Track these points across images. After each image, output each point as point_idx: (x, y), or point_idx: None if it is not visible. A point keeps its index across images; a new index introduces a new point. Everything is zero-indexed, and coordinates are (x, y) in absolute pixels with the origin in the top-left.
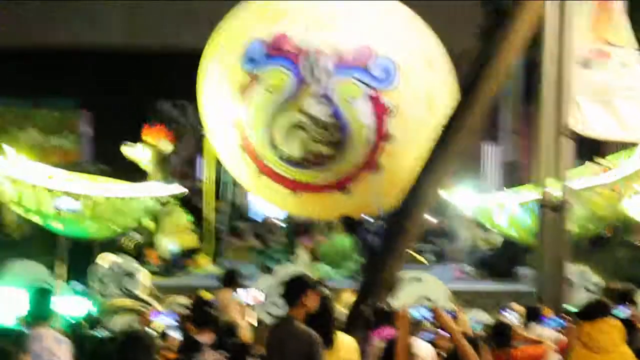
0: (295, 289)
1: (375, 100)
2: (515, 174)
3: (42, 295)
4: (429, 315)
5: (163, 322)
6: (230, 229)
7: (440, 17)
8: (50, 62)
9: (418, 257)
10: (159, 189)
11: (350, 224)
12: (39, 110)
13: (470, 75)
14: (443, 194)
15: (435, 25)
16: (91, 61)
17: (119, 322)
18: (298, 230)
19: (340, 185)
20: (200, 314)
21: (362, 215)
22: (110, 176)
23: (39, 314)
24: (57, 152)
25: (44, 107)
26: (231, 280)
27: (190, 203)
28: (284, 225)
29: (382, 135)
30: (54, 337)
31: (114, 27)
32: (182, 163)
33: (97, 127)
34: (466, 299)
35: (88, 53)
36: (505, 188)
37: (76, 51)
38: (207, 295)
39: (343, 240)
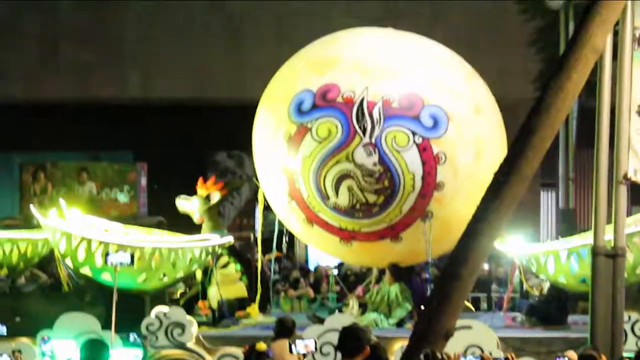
0: (350, 340)
1: (424, 149)
2: (570, 221)
3: (94, 347)
4: None
5: None
6: (282, 279)
7: (496, 64)
8: (109, 115)
9: (468, 304)
10: (210, 240)
11: (400, 272)
12: (99, 164)
13: (526, 123)
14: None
15: (490, 73)
16: (148, 114)
17: None
18: (349, 278)
19: (391, 233)
20: None
21: (414, 262)
22: (167, 228)
23: None
24: (114, 205)
25: (103, 160)
26: (286, 329)
27: (240, 253)
28: (335, 273)
29: (431, 183)
30: None
31: (172, 81)
32: (239, 214)
33: (154, 179)
34: (517, 347)
35: (145, 106)
36: (560, 235)
37: (134, 104)
38: (261, 346)
39: (394, 288)
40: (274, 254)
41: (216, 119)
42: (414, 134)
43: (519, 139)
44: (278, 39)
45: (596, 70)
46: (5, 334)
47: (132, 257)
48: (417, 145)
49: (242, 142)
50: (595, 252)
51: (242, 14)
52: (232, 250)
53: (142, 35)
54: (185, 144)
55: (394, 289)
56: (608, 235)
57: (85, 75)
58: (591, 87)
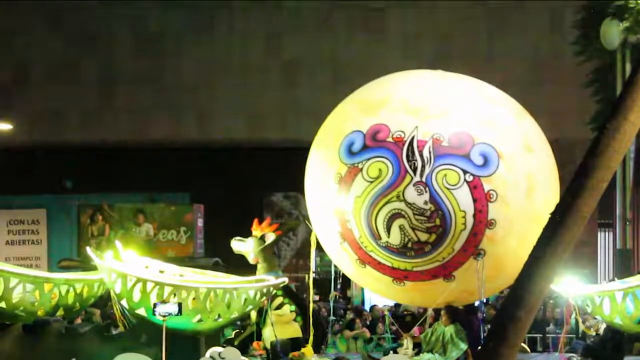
0: None
1: (475, 187)
2: (627, 262)
3: None
4: None
5: None
6: (337, 319)
7: (552, 105)
8: (166, 157)
9: (524, 345)
10: (264, 281)
11: (457, 312)
12: (156, 205)
13: (583, 163)
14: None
15: (546, 113)
16: (205, 156)
17: None
18: (406, 318)
19: (443, 272)
20: None
21: (467, 302)
22: (223, 269)
23: None
24: (171, 246)
25: (159, 201)
26: None
27: (295, 294)
28: (390, 314)
29: (483, 221)
30: None
31: (228, 122)
32: (294, 255)
33: (210, 221)
34: None
35: (202, 148)
36: (617, 275)
37: (191, 146)
38: None
39: (449, 329)
40: (333, 293)
41: (272, 161)
42: (464, 172)
43: (576, 179)
44: (333, 83)
45: None
46: None
47: (180, 307)
48: (468, 183)
49: (298, 183)
50: None
51: (298, 59)
52: (286, 291)
53: (199, 78)
54: (241, 184)
55: (449, 330)
56: None
57: (142, 117)
58: None
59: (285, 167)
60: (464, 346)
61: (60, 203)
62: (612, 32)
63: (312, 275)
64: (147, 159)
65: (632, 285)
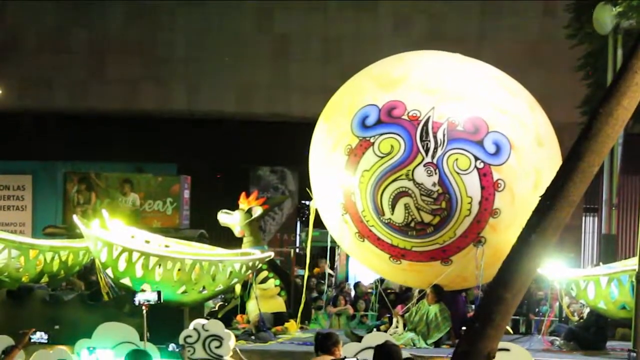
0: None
1: (484, 174)
2: (612, 247)
3: (138, 357)
4: None
5: None
6: (320, 295)
7: (542, 88)
8: (154, 128)
9: (507, 327)
10: (249, 255)
11: (442, 292)
12: (142, 175)
13: (574, 148)
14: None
15: (536, 96)
16: (193, 127)
17: None
18: (389, 297)
19: (442, 255)
20: None
21: (460, 287)
22: (208, 241)
23: None
24: (157, 217)
25: (146, 172)
26: (328, 345)
27: (280, 269)
28: (375, 291)
29: (488, 209)
30: None
31: (217, 95)
32: (280, 229)
33: (197, 193)
34: None
35: (190, 119)
36: (602, 261)
37: (179, 117)
38: None
39: (433, 308)
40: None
41: (260, 134)
42: (476, 158)
43: (567, 163)
44: (324, 59)
45: None
46: (45, 341)
47: (159, 295)
48: (478, 170)
49: (285, 157)
50: (638, 278)
51: (289, 34)
52: (271, 265)
53: (190, 51)
54: (228, 158)
55: (434, 309)
56: None
57: (131, 87)
58: (637, 113)
59: (273, 141)
60: (447, 326)
61: (46, 169)
62: (605, 17)
63: (309, 245)
64: (135, 128)
65: (617, 271)
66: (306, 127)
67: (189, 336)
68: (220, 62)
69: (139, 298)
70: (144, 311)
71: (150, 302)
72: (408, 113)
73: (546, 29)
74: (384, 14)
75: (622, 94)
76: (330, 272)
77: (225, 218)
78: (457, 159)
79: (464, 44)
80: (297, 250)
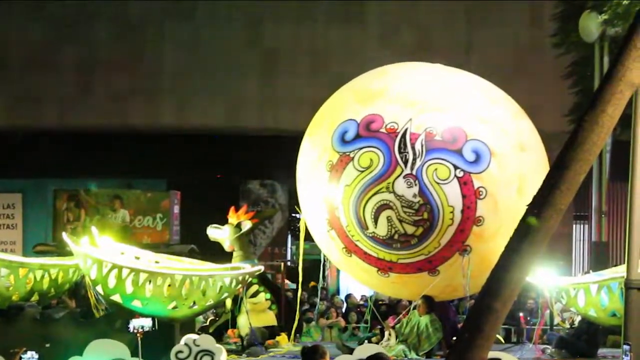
0: None
1: (465, 183)
2: (603, 254)
3: None
4: None
5: None
6: (311, 307)
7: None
8: (143, 143)
9: (498, 336)
10: (239, 269)
11: (433, 303)
12: (132, 191)
13: (561, 156)
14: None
15: (523, 105)
16: (182, 142)
17: None
18: (381, 308)
19: (428, 266)
20: None
21: (450, 297)
22: (199, 256)
23: None
24: (147, 233)
25: (136, 188)
26: (315, 357)
27: (271, 282)
28: (366, 304)
29: (471, 217)
30: None
31: (206, 110)
32: (270, 243)
33: (187, 208)
34: None
35: (179, 134)
36: (592, 268)
37: (168, 133)
38: None
39: (424, 319)
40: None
41: (249, 148)
42: (455, 167)
43: (553, 171)
44: (312, 73)
45: (630, 103)
46: None
47: (154, 321)
48: (458, 179)
49: (274, 171)
50: (628, 285)
51: (277, 49)
52: (262, 279)
53: (178, 66)
54: (218, 172)
55: (424, 320)
56: None
57: (120, 103)
58: (625, 120)
59: (262, 155)
60: (438, 336)
61: (36, 187)
62: (591, 25)
63: (301, 260)
64: (125, 144)
65: (606, 278)
66: (295, 141)
67: (180, 351)
68: (210, 76)
69: (134, 324)
70: (139, 338)
71: (145, 329)
72: (386, 126)
73: (533, 38)
74: (372, 26)
75: (607, 101)
76: (322, 284)
77: (215, 233)
78: (436, 169)
79: (452, 55)
80: (289, 263)
